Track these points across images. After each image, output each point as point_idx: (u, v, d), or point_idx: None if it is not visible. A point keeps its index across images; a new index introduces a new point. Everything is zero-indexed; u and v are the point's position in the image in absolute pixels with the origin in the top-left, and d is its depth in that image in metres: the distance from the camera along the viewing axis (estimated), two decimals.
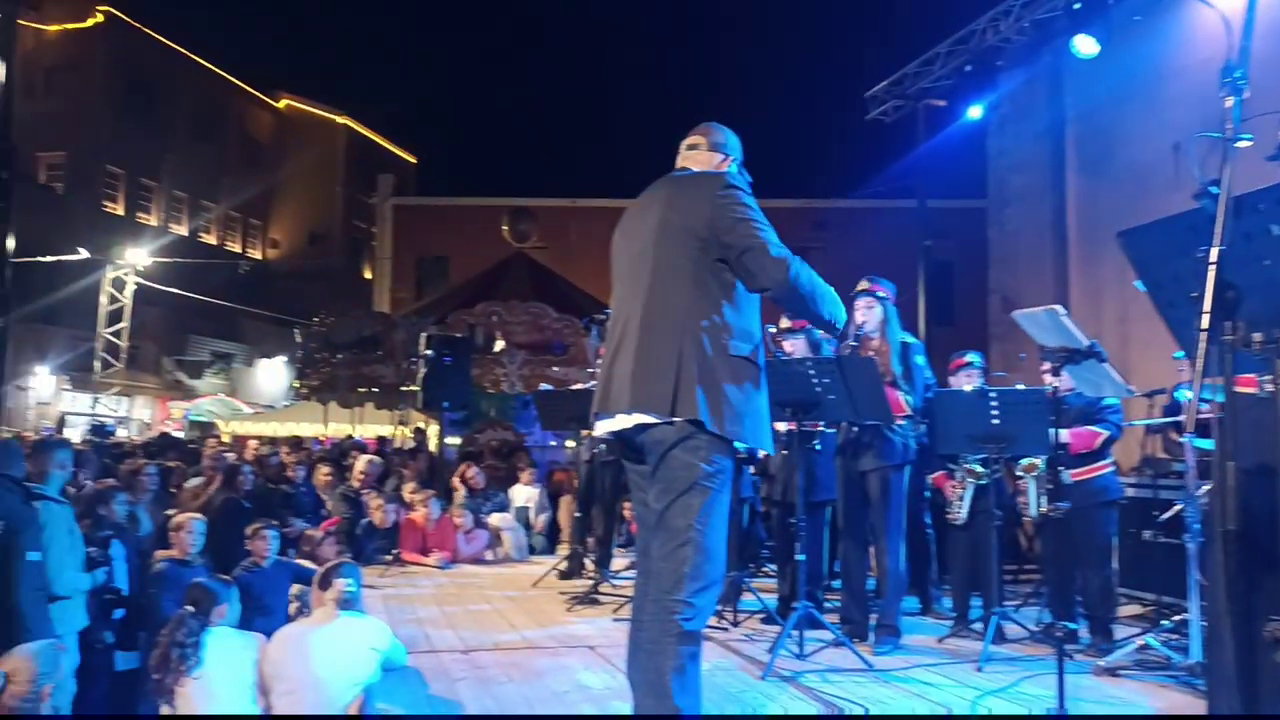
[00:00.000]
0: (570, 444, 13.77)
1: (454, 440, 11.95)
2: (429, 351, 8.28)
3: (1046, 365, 3.95)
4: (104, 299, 23.74)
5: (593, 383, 7.02)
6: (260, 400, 27.71)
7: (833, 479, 4.87)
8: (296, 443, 12.25)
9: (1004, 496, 5.17)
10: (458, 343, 9.03)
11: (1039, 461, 4.81)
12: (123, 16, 31.39)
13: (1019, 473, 5.00)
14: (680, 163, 3.12)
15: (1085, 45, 9.75)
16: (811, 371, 4.21)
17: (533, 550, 8.38)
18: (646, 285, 2.83)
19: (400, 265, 25.86)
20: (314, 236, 39.05)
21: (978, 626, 4.75)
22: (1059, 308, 3.67)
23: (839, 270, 3.99)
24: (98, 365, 23.46)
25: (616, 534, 7.33)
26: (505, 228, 15.25)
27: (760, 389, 2.82)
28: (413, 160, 41.97)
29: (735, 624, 4.99)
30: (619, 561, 6.94)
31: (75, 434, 18.42)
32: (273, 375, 29.78)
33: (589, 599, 5.68)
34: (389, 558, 7.20)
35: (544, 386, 11.42)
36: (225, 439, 16.12)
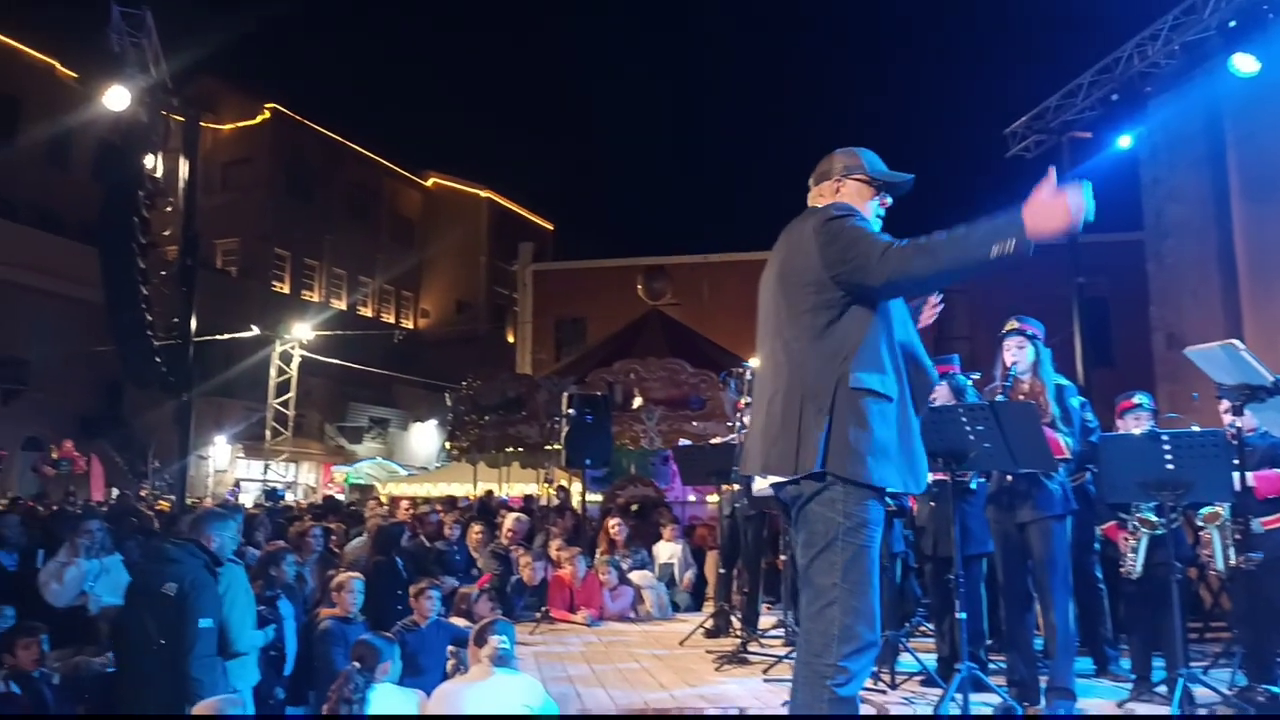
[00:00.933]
0: (711, 499, 13.72)
1: (595, 497, 12.10)
2: (570, 410, 8.46)
3: (1226, 404, 3.66)
4: (273, 372, 25.54)
5: (731, 436, 7.03)
6: (415, 462, 28.96)
7: (986, 530, 4.64)
8: (451, 502, 12.69)
9: (1184, 548, 4.78)
10: (598, 401, 9.18)
11: (1222, 509, 4.43)
12: (286, 111, 34.32)
13: (1200, 522, 4.62)
14: (809, 203, 3.00)
15: (1245, 64, 9.18)
16: (964, 419, 4.04)
17: (677, 607, 8.31)
18: (771, 339, 2.78)
19: (540, 328, 26.69)
20: (460, 305, 40.93)
21: (1161, 690, 4.37)
22: (1237, 342, 3.41)
23: (984, 314, 3.85)
24: (268, 434, 25.14)
25: (763, 592, 7.19)
26: (640, 287, 15.54)
27: (897, 423, 2.64)
28: (550, 227, 43.53)
29: (893, 686, 4.78)
30: (767, 619, 6.80)
31: (249, 499, 19.74)
32: (426, 438, 31.09)
33: (738, 658, 5.57)
34: (538, 615, 7.31)
35: (682, 442, 11.48)
36: (383, 500, 16.87)
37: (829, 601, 2.53)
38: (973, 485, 4.62)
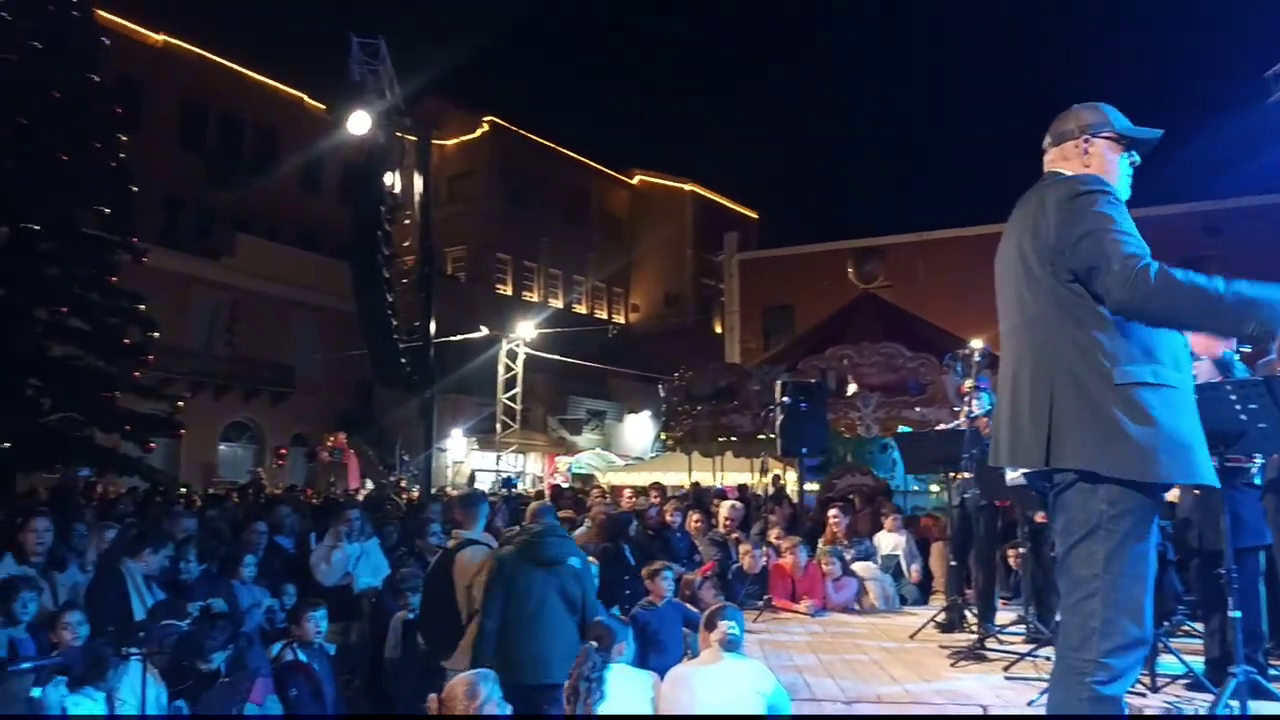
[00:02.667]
0: (934, 488, 13.15)
1: (812, 486, 11.94)
2: (784, 398, 8.39)
3: None
4: (500, 369, 27.13)
5: (957, 422, 6.70)
6: (630, 452, 29.85)
7: (1261, 520, 4.15)
8: (660, 490, 12.96)
9: None
10: (812, 388, 9.05)
11: None
12: (503, 124, 36.35)
13: None
14: (1046, 166, 2.76)
15: None
16: (1233, 396, 3.64)
17: (904, 600, 8.05)
18: (1013, 320, 2.61)
19: (748, 317, 26.67)
20: (669, 297, 41.71)
21: None
22: None
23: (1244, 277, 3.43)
24: (498, 427, 26.75)
25: (1001, 585, 6.82)
26: (851, 270, 15.14)
27: (1176, 413, 2.40)
28: (754, 216, 43.40)
29: (1154, 689, 4.39)
30: (1004, 615, 6.44)
31: (483, 487, 21.09)
32: (640, 429, 31.94)
33: (974, 654, 5.32)
34: (760, 603, 7.32)
35: (903, 429, 11.08)
36: (604, 488, 17.51)
37: (1088, 593, 2.37)
38: (1254, 475, 4.15)
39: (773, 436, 9.22)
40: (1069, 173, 2.66)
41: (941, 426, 7.06)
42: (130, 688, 4.53)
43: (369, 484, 21.05)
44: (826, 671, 5.11)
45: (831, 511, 8.42)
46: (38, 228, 14.73)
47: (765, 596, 7.37)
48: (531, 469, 29.41)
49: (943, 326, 14.36)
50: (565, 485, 21.33)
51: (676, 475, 17.82)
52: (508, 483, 17.32)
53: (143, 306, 15.90)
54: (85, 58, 15.69)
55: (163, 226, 25.89)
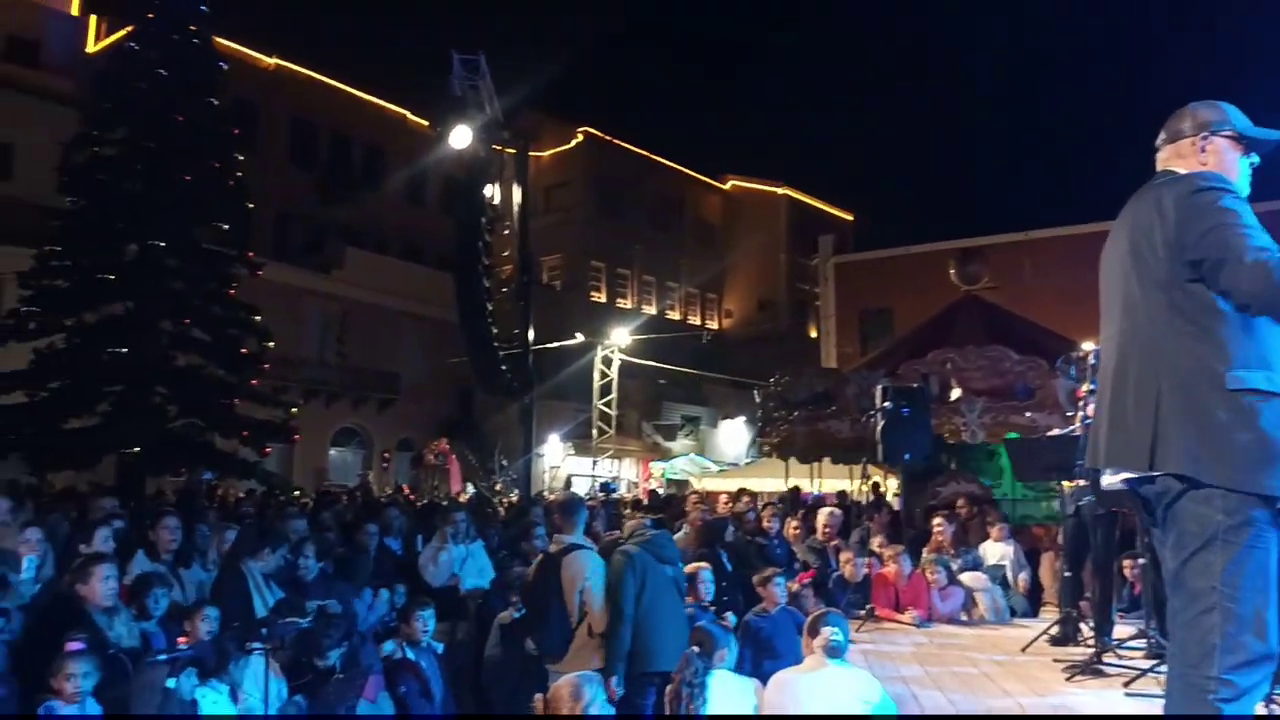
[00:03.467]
0: (1046, 498, 12.65)
1: (915, 494, 11.65)
2: (887, 404, 8.22)
3: None
4: (596, 375, 27.43)
5: (1071, 428, 6.44)
6: (724, 458, 29.71)
7: None
8: (751, 496, 12.84)
9: None
10: (914, 393, 8.83)
11: None
12: (597, 134, 36.80)
13: None
14: (1160, 165, 2.67)
15: None
16: None
17: (1013, 612, 7.78)
18: (1119, 321, 2.52)
19: (844, 321, 26.24)
20: (762, 303, 41.40)
21: None
22: None
23: None
24: (594, 433, 27.03)
25: (1117, 597, 6.52)
26: (952, 271, 14.70)
27: None
28: (849, 218, 42.71)
29: None
30: (1123, 629, 6.15)
31: (580, 492, 21.31)
32: (734, 434, 31.78)
33: (1091, 669, 5.11)
34: (862, 613, 7.19)
35: (1010, 435, 10.71)
36: (700, 494, 17.48)
37: (1206, 608, 2.26)
38: None
39: (873, 442, 9.04)
40: (1184, 170, 2.56)
41: (1054, 432, 6.80)
42: (253, 681, 4.76)
43: (470, 488, 21.55)
44: (934, 684, 4.99)
45: (936, 520, 8.22)
46: (163, 244, 15.68)
47: (867, 606, 7.24)
48: (626, 474, 29.59)
49: (1051, 328, 13.82)
50: (660, 490, 21.39)
51: (773, 481, 17.65)
52: (607, 487, 17.49)
53: (259, 318, 16.74)
54: (205, 83, 16.66)
55: (276, 241, 27.15)
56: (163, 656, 4.25)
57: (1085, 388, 5.82)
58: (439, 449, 21.33)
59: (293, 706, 4.86)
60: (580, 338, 26.35)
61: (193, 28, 16.61)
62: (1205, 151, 2.57)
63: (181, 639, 4.72)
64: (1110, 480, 2.59)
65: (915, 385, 9.87)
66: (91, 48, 29.91)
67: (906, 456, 8.63)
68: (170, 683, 4.04)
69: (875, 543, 7.93)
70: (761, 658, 4.40)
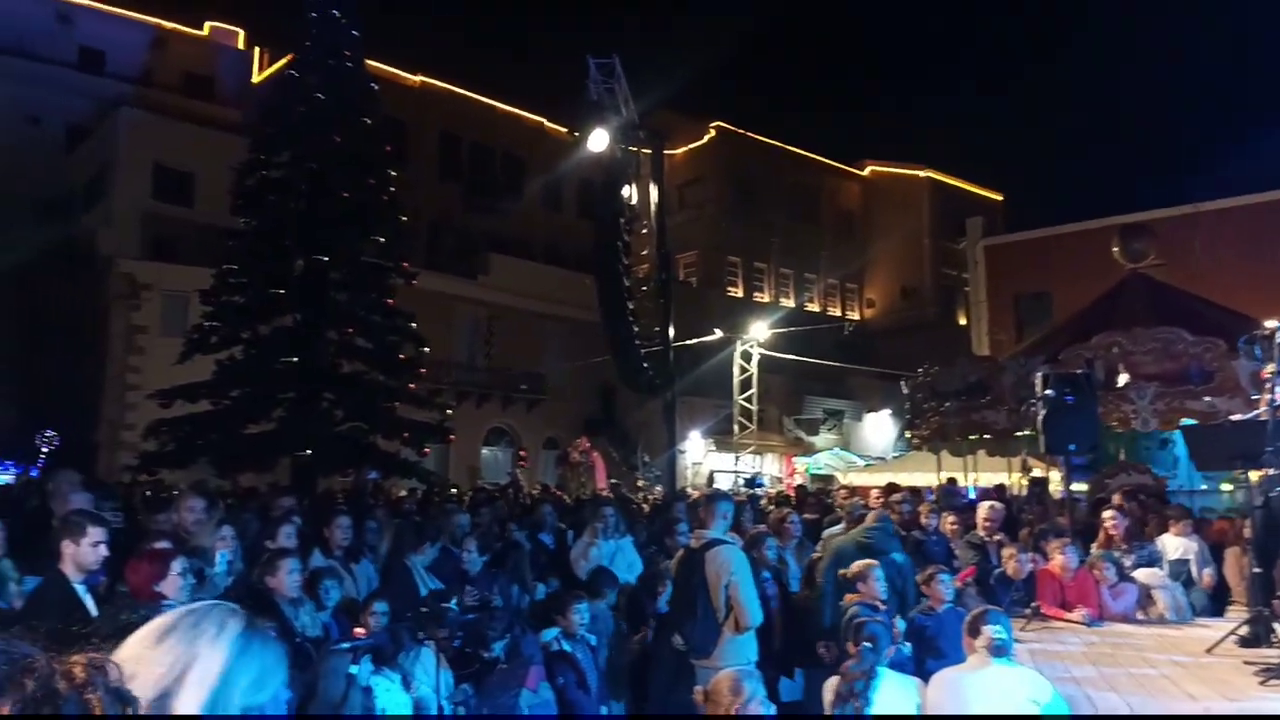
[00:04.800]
0: (1226, 486, 11.73)
1: (1080, 486, 11.03)
2: (1048, 392, 7.82)
3: None
4: (735, 370, 27.33)
5: (1257, 412, 5.95)
6: (870, 451, 29.00)
7: None
8: (890, 489, 12.47)
9: None
10: (1078, 380, 8.36)
11: None
12: (730, 128, 36.64)
13: None
14: None
15: None
16: None
17: (1194, 610, 7.25)
18: None
19: (997, 307, 25.12)
20: (906, 291, 40.12)
21: None
22: None
23: None
24: (735, 428, 26.95)
25: None
26: (1116, 249, 13.84)
27: None
28: (998, 198, 40.80)
29: None
30: None
31: (723, 487, 21.30)
32: (880, 427, 30.97)
33: None
34: (1027, 610, 6.87)
35: (1186, 421, 9.99)
36: (847, 489, 17.14)
37: None
38: None
39: (1033, 433, 8.64)
40: None
41: (1236, 417, 6.29)
42: (424, 671, 5.02)
43: (615, 484, 21.94)
44: (1109, 685, 4.72)
45: (1107, 513, 7.76)
46: (327, 259, 16.73)
47: (1032, 604, 6.92)
48: (769, 469, 29.34)
49: (1227, 306, 12.79)
50: (806, 486, 21.11)
51: (923, 475, 17.09)
52: (752, 483, 17.42)
53: (415, 325, 17.59)
54: (359, 104, 17.64)
55: (427, 250, 28.43)
56: (345, 645, 4.55)
57: (1270, 369, 5.36)
58: (582, 446, 21.87)
59: (460, 695, 5.10)
60: (719, 333, 26.32)
61: (346, 53, 17.61)
62: None
63: (357, 630, 5.03)
64: None
65: (1079, 371, 9.35)
66: (257, 78, 32.27)
67: (1071, 447, 8.20)
68: (352, 669, 4.32)
69: (1054, 546, 7.54)
70: (925, 656, 4.28)
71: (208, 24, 33.21)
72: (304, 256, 16.78)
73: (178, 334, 17.86)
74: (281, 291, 16.59)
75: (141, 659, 1.31)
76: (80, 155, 28.09)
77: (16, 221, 27.25)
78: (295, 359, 16.04)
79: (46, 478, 6.79)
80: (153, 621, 1.39)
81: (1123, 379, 11.05)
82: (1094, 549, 7.45)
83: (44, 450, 11.23)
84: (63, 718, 0.87)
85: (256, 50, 33.15)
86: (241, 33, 33.59)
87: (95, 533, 4.12)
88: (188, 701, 1.29)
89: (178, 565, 4.26)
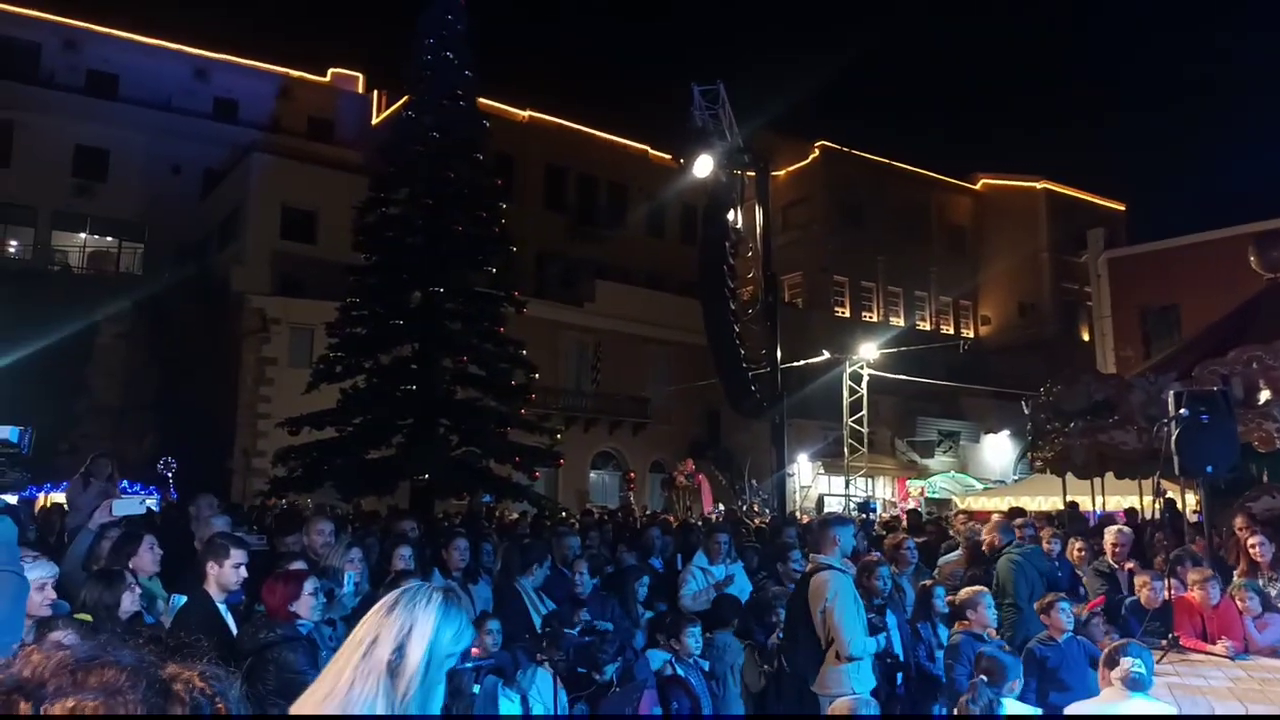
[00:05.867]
0: None
1: (1220, 510, 10.36)
2: (1182, 410, 7.42)
3: None
4: (845, 392, 26.85)
5: None
6: (988, 474, 27.97)
7: None
8: (1016, 512, 11.96)
9: None
10: (1214, 398, 7.90)
11: None
12: (835, 147, 36.28)
13: None
14: None
15: None
16: None
17: None
18: None
19: (1122, 322, 23.99)
20: (1023, 307, 38.67)
21: None
22: None
23: None
24: (845, 451, 26.44)
25: None
26: (1252, 258, 13.03)
27: None
28: (1120, 208, 38.98)
29: None
30: None
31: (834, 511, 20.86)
32: (999, 449, 29.86)
33: None
34: (1164, 642, 6.50)
35: None
36: (966, 512, 16.59)
37: None
38: None
39: (1167, 454, 8.18)
40: None
41: None
42: (541, 691, 5.12)
43: (721, 507, 21.83)
44: None
45: (1253, 539, 7.28)
46: (442, 290, 17.35)
47: (1170, 635, 6.54)
48: (880, 493, 28.63)
49: None
50: (921, 511, 20.52)
51: (1046, 499, 16.38)
52: (865, 507, 17.05)
53: (524, 352, 18.03)
54: (472, 141, 18.31)
55: (535, 280, 29.13)
56: (469, 664, 4.69)
57: None
58: (688, 469, 21.88)
59: (575, 714, 5.18)
60: (826, 354, 25.94)
61: (459, 92, 18.32)
62: None
63: (474, 649, 5.17)
64: None
65: (1215, 389, 8.84)
66: (376, 120, 33.89)
67: (1209, 469, 7.74)
68: (475, 688, 4.45)
69: (1193, 576, 7.13)
70: (1048, 688, 4.11)
71: (330, 70, 35.15)
72: (420, 288, 17.44)
73: (304, 365, 18.79)
74: (400, 322, 17.27)
75: (381, 624, 1.89)
76: (215, 198, 30.09)
77: (161, 262, 29.39)
78: (413, 387, 16.65)
79: (188, 502, 7.25)
80: (381, 601, 1.98)
81: (1264, 395, 10.37)
82: (1236, 577, 7.00)
83: (168, 475, 11.95)
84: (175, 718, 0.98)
85: (375, 93, 34.84)
86: (361, 77, 35.42)
87: (237, 555, 4.40)
88: (416, 650, 1.88)
89: (310, 586, 4.49)
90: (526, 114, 32.89)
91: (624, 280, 31.56)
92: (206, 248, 29.60)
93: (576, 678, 5.37)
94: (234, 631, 4.31)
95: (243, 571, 4.40)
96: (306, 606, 4.44)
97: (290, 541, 6.46)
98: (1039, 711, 3.84)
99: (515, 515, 16.07)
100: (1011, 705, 3.79)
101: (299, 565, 5.02)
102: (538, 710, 5.09)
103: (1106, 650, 3.84)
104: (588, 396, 28.54)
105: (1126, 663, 3.59)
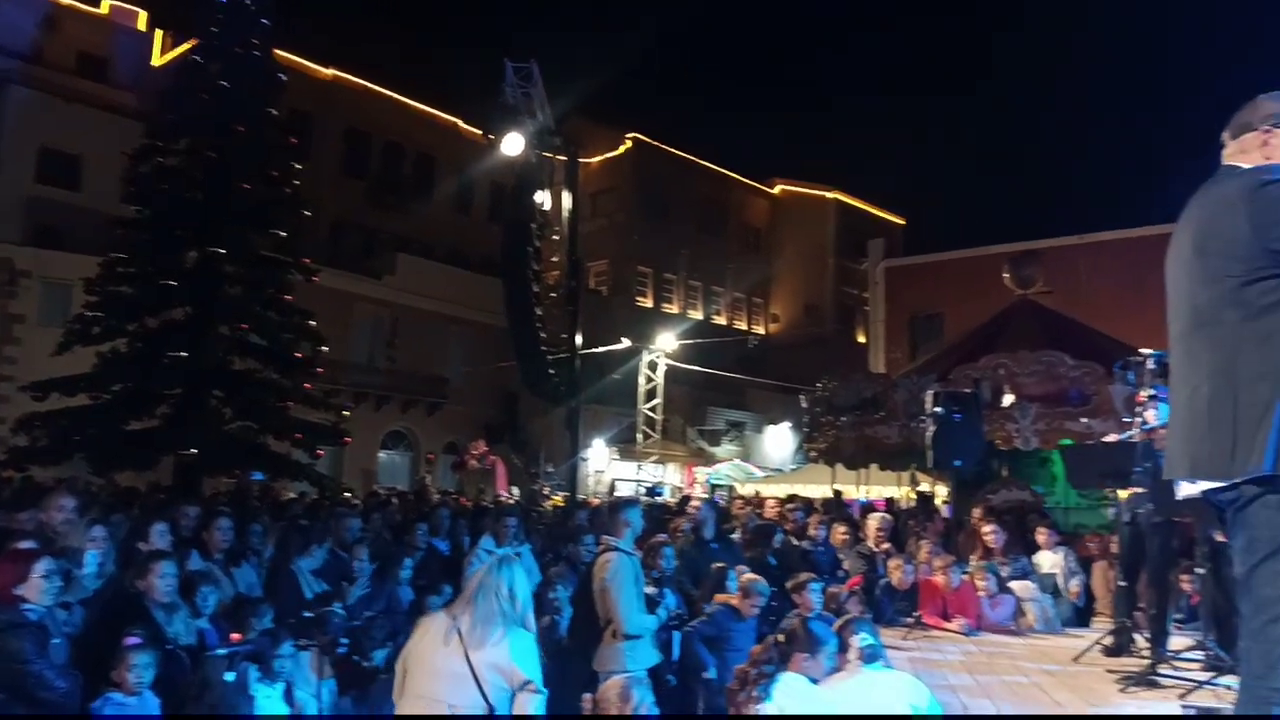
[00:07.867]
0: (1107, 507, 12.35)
1: (965, 501, 11.46)
2: (937, 409, 8.12)
3: None
4: (641, 380, 27.49)
5: (1129, 433, 6.29)
6: (770, 463, 29.52)
7: None
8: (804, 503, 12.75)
9: None
10: (967, 399, 8.71)
11: None
12: (645, 139, 36.89)
13: None
14: (1225, 160, 2.60)
15: None
16: None
17: (1061, 621, 7.62)
18: (1186, 322, 2.46)
19: (893, 326, 25.96)
20: (808, 307, 41.09)
21: None
22: None
23: None
24: (639, 437, 27.08)
25: (1173, 608, 6.36)
26: (1006, 275, 14.45)
27: None
28: (900, 222, 42.21)
29: None
30: (1179, 640, 6.00)
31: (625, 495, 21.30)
32: (780, 440, 31.58)
33: (1145, 680, 4.99)
34: (910, 620, 7.11)
35: (1064, 441, 10.49)
36: (745, 499, 17.39)
37: (1273, 617, 2.22)
38: None
39: (923, 448, 8.93)
40: (1247, 165, 2.50)
41: (1109, 438, 6.65)
42: (305, 679, 4.86)
43: (516, 491, 21.73)
44: (983, 693, 4.92)
45: (987, 527, 8.08)
46: (223, 252, 16.09)
47: (915, 613, 7.16)
48: (671, 479, 29.57)
49: (1108, 333, 13.52)
50: (704, 495, 21.29)
51: (818, 488, 17.50)
52: (653, 492, 17.51)
53: (313, 323, 17.07)
54: (265, 94, 17.06)
55: (329, 248, 27.66)
56: (221, 651, 4.37)
57: (1145, 393, 5.69)
58: (479, 451, 21.53)
59: (340, 706, 4.96)
60: (626, 342, 26.41)
61: (254, 41, 17.02)
62: (1268, 144, 2.50)
63: (234, 635, 4.83)
64: (1189, 490, 2.52)
65: (967, 390, 9.73)
66: (156, 61, 30.85)
67: (957, 463, 8.53)
68: (229, 676, 4.15)
69: (923, 550, 7.83)
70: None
71: (107, 2, 31.62)
72: (198, 248, 16.10)
73: (58, 324, 16.92)
74: (172, 283, 15.88)
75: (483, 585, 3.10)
76: None
77: None
78: (183, 354, 15.35)
79: None
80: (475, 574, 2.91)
81: (1007, 399, 11.51)
82: (973, 560, 7.76)
83: None
84: None
85: (158, 33, 31.67)
86: (143, 13, 32.03)
87: None
88: (520, 588, 3.12)
89: (42, 567, 4.04)
90: (330, 72, 31.11)
91: (426, 255, 30.62)
92: None
93: (346, 663, 5.15)
94: None
95: None
96: (36, 589, 4.00)
97: (24, 519, 5.79)
98: (815, 689, 3.96)
99: (292, 495, 15.21)
100: (792, 678, 3.89)
101: (28, 545, 4.51)
102: (300, 697, 4.83)
103: (837, 628, 4.08)
104: (381, 373, 27.52)
105: (856, 640, 3.86)
